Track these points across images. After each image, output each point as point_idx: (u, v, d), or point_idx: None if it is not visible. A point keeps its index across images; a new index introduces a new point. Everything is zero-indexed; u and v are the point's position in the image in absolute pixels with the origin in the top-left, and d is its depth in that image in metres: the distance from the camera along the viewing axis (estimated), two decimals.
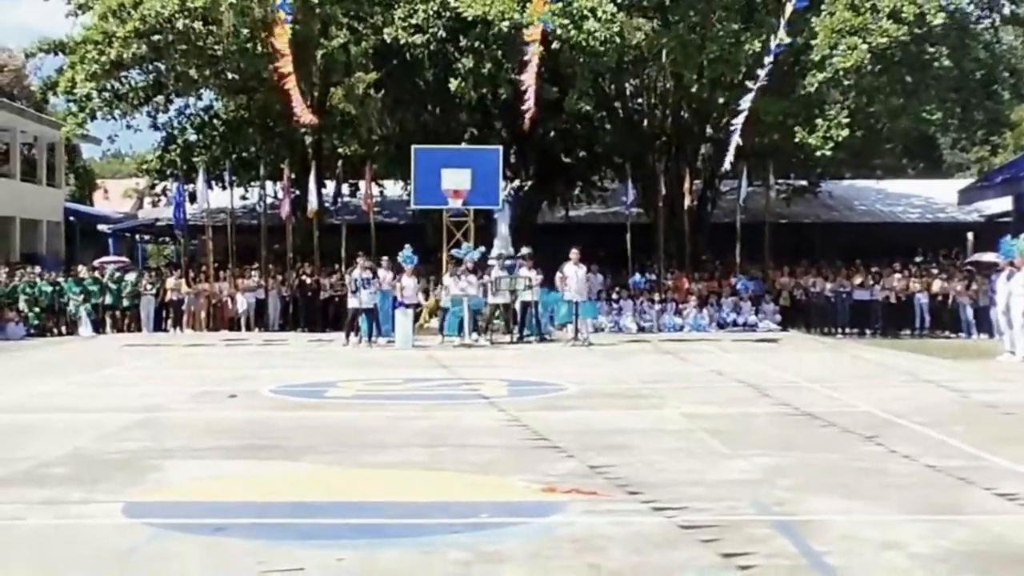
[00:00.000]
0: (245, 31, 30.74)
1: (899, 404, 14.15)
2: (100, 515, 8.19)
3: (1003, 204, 38.29)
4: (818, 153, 32.87)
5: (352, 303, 26.40)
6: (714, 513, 8.03)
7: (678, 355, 22.93)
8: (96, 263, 36.04)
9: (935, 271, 32.88)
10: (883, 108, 32.82)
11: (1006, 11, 36.13)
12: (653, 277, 33.89)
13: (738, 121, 29.45)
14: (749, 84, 29.34)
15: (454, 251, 28.37)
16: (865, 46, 29.67)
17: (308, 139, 35.35)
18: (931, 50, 31.66)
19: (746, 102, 29.10)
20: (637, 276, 33.17)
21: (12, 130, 43.35)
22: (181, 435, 12.09)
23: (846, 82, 31.16)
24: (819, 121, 32.14)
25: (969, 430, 11.94)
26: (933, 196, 47.35)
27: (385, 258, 28.19)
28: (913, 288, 30.71)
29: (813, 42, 30.56)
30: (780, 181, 39.91)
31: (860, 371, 19.80)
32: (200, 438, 11.90)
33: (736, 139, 29.78)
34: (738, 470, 9.81)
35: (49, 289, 30.86)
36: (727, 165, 32.26)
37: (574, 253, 26.42)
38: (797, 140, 32.79)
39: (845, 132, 31.79)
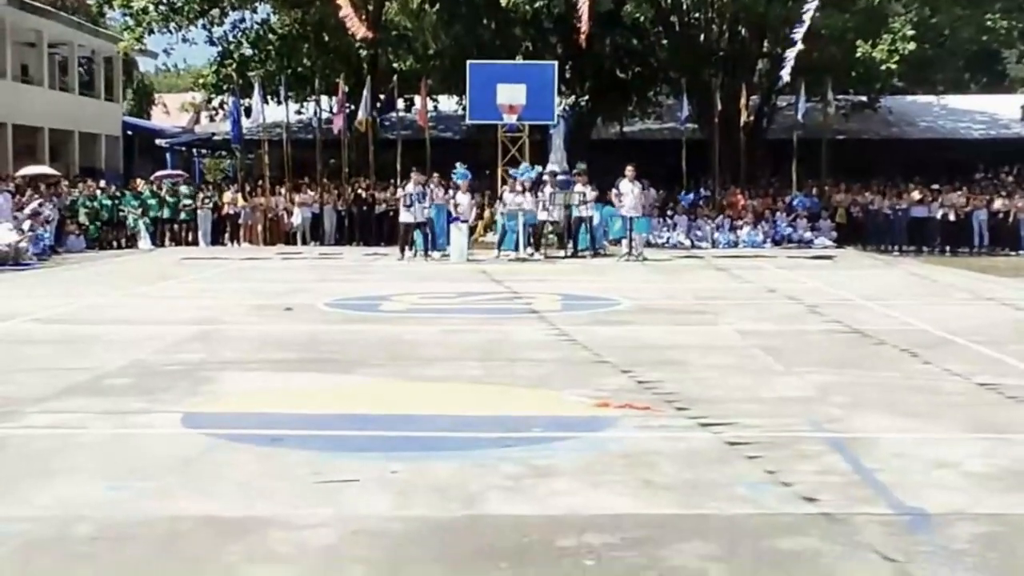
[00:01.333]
0: None
1: (956, 322, 14.01)
2: (159, 425, 8.30)
3: None
4: (883, 67, 32.30)
5: (405, 217, 26.46)
6: (766, 430, 8.02)
7: (732, 272, 22.81)
8: (154, 177, 36.32)
9: (997, 188, 32.40)
10: (946, 18, 32.09)
11: None
12: (708, 193, 33.69)
13: (799, 33, 28.94)
14: (804, 4, 28.77)
15: (511, 171, 28.28)
16: None
17: (363, 54, 35.19)
18: None
19: (808, 14, 28.56)
20: (691, 193, 32.97)
21: (70, 44, 43.52)
22: (238, 347, 12.22)
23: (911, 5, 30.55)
24: (884, 35, 31.52)
25: None
26: (996, 111, 46.51)
27: (436, 175, 28.17)
28: (973, 205, 30.28)
29: None
30: (839, 97, 39.25)
31: (917, 289, 19.62)
32: (256, 351, 12.01)
33: (796, 51, 29.30)
34: (791, 387, 9.77)
35: (108, 202, 31.19)
36: (786, 78, 31.81)
37: (629, 170, 26.29)
38: (859, 55, 32.21)
39: (911, 45, 31.22)
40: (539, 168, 28.33)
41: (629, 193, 26.07)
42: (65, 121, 41.21)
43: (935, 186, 31.06)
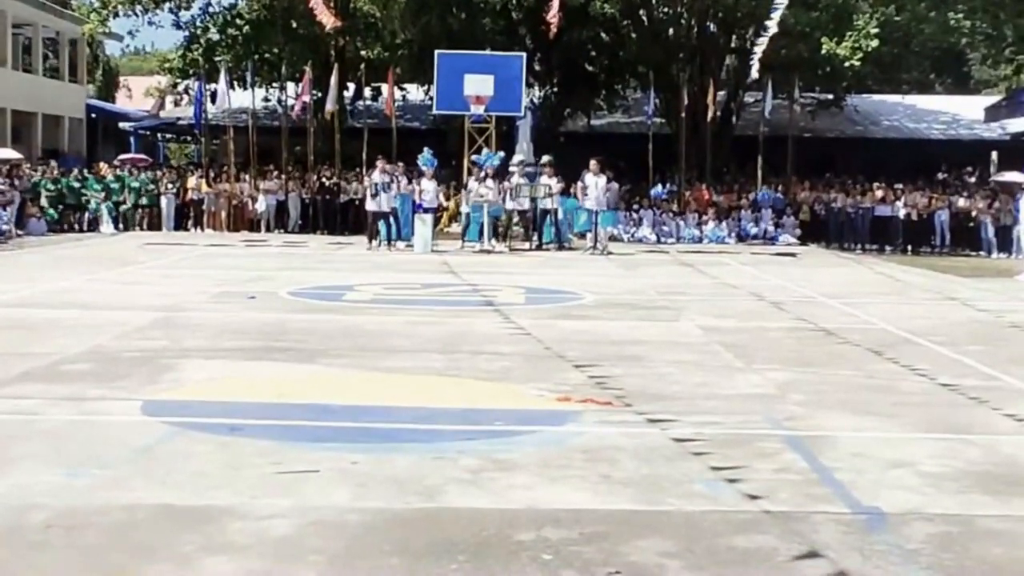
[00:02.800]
0: None
1: (916, 322, 14.14)
2: (118, 412, 8.27)
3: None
4: (846, 64, 32.54)
5: (371, 206, 26.45)
6: (725, 427, 8.08)
7: (696, 267, 22.90)
8: (117, 161, 36.07)
9: (958, 189, 32.66)
10: (911, 16, 32.26)
11: None
12: (674, 188, 33.79)
13: (769, 28, 29.02)
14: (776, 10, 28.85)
15: (474, 157, 28.27)
16: None
17: (331, 42, 35.05)
18: None
19: (778, 10, 28.65)
20: (658, 187, 33.06)
21: (34, 25, 43.18)
22: (199, 335, 12.18)
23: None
24: (848, 32, 31.72)
25: (986, 350, 11.94)
26: (959, 112, 46.84)
27: (401, 164, 28.14)
28: (935, 205, 30.50)
29: None
30: (805, 94, 39.52)
31: (879, 288, 19.75)
32: (218, 338, 11.98)
33: (763, 47, 29.40)
34: (752, 384, 9.83)
35: (71, 186, 30.94)
36: (754, 74, 31.98)
37: (593, 163, 26.37)
38: (824, 52, 32.40)
39: (875, 43, 31.44)
40: (502, 155, 28.29)
41: (593, 186, 26.17)
42: (28, 103, 40.86)
43: (898, 185, 31.26)
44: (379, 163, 26.99)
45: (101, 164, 34.69)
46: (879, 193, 30.60)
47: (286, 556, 5.26)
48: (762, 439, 7.72)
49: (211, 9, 39.64)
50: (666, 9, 37.75)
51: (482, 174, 26.70)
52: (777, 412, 8.60)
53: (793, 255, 27.11)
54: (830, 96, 41.13)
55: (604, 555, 5.34)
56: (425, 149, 27.46)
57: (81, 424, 7.88)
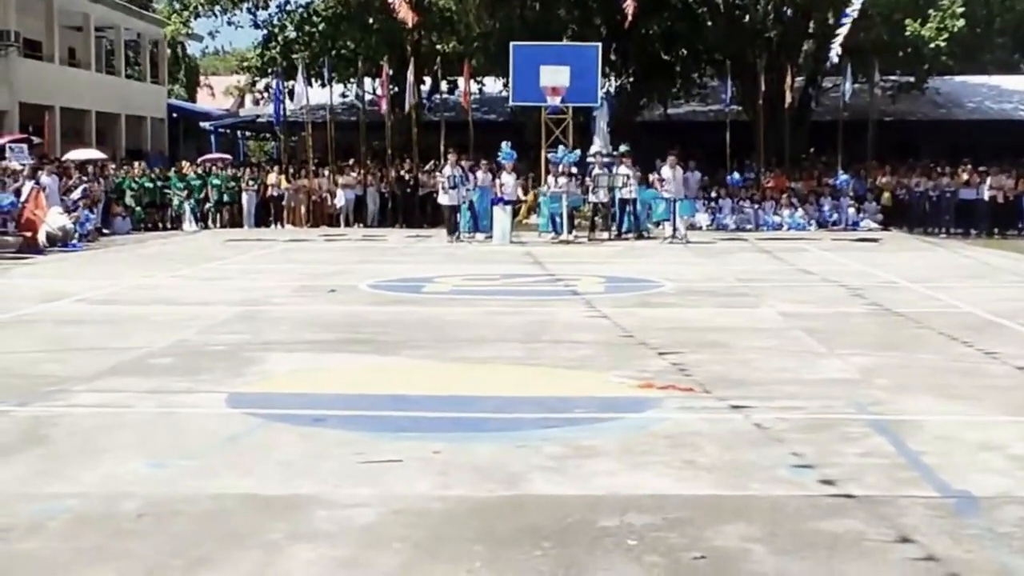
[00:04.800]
0: None
1: (1003, 305, 13.91)
2: (204, 405, 8.39)
3: None
4: (931, 45, 31.99)
5: (444, 200, 26.62)
6: (809, 412, 8.02)
7: (776, 254, 22.72)
8: (200, 160, 36.55)
9: None
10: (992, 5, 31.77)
11: None
12: (752, 175, 33.52)
13: (853, 12, 28.62)
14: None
15: (551, 155, 28.23)
16: None
17: (407, 36, 35.21)
18: None
19: None
20: (736, 174, 32.84)
21: (116, 27, 43.87)
22: (282, 328, 12.31)
23: None
24: (931, 12, 31.24)
25: None
26: None
27: (484, 161, 28.21)
28: (1022, 188, 29.91)
29: None
30: (885, 78, 38.96)
31: (963, 271, 19.46)
32: (300, 331, 12.09)
33: (846, 30, 29.03)
34: (834, 369, 9.75)
35: (154, 185, 31.43)
36: (834, 58, 31.53)
37: (671, 158, 26.25)
38: (908, 33, 31.92)
39: (960, 22, 30.90)
40: (579, 152, 28.25)
41: (671, 178, 26.04)
42: (111, 104, 41.54)
43: (983, 168, 30.67)
44: (451, 156, 27.10)
45: (183, 163, 35.15)
46: (964, 176, 30.09)
47: (370, 544, 5.30)
48: (847, 424, 7.64)
49: (288, 7, 40.05)
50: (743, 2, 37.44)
51: (561, 168, 26.70)
52: (861, 396, 8.51)
53: (875, 240, 26.79)
54: (911, 79, 40.49)
55: (688, 540, 5.32)
56: (504, 143, 27.51)
57: (168, 416, 8.01)
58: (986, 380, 9.24)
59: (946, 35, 31.23)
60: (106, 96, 41.45)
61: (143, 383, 9.10)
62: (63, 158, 31.14)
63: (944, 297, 15.01)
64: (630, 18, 30.38)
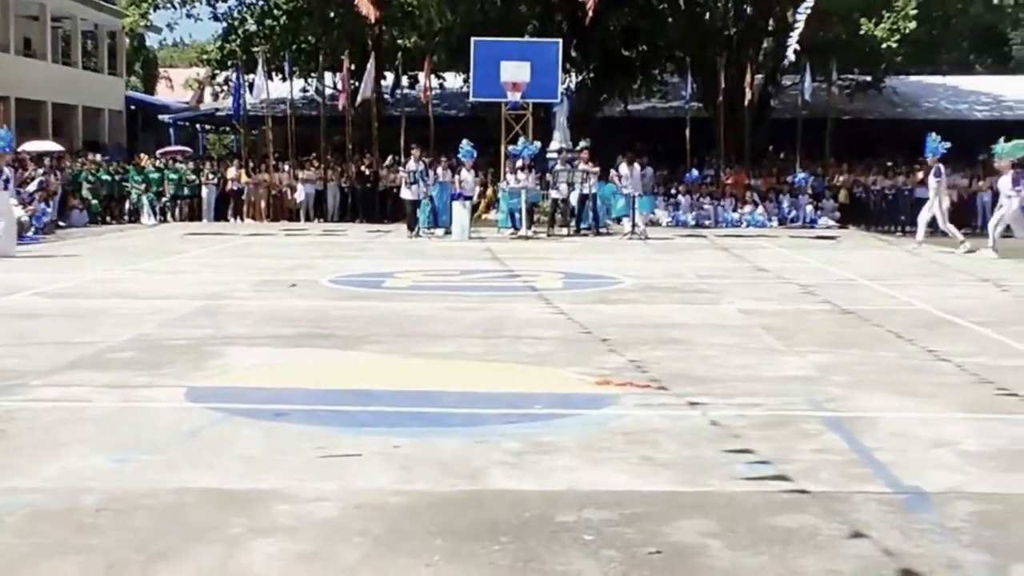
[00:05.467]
0: None
1: (957, 303, 14.05)
2: (164, 399, 8.35)
3: None
4: (884, 46, 32.26)
5: (406, 195, 26.58)
6: (767, 409, 8.08)
7: (734, 251, 22.83)
8: (158, 152, 36.31)
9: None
10: (948, 6, 32.01)
11: None
12: (712, 172, 33.66)
13: (807, 6, 28.79)
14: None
15: (511, 148, 28.26)
16: None
17: (368, 31, 35.09)
18: None
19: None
20: (695, 171, 32.97)
21: (73, 18, 43.46)
22: (242, 323, 12.26)
23: None
24: (885, 14, 31.48)
25: None
26: (1002, 93, 46.28)
27: (443, 158, 28.20)
28: (977, 187, 30.17)
29: None
30: (843, 77, 39.23)
31: (919, 269, 19.63)
32: (261, 326, 12.05)
33: (800, 28, 29.19)
34: (792, 366, 9.81)
35: (111, 178, 31.21)
36: (791, 56, 31.68)
37: (628, 156, 26.33)
38: (863, 33, 32.17)
39: (913, 24, 31.15)
40: (538, 144, 28.29)
41: (629, 175, 26.14)
42: (68, 95, 41.18)
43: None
44: (414, 152, 27.09)
45: (142, 156, 34.92)
46: (919, 175, 30.31)
47: (331, 538, 5.32)
48: (803, 420, 7.71)
49: (248, 0, 39.75)
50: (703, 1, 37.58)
51: (519, 164, 26.73)
52: (818, 394, 8.58)
53: (832, 238, 26.99)
54: (868, 78, 40.80)
55: (645, 535, 5.37)
56: (464, 141, 27.47)
57: (128, 410, 7.96)
58: (938, 378, 9.33)
59: (898, 36, 31.46)
60: (63, 87, 41.07)
61: (103, 377, 9.06)
62: (19, 149, 30.85)
63: (900, 295, 15.14)
64: (591, 14, 30.42)
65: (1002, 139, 21.19)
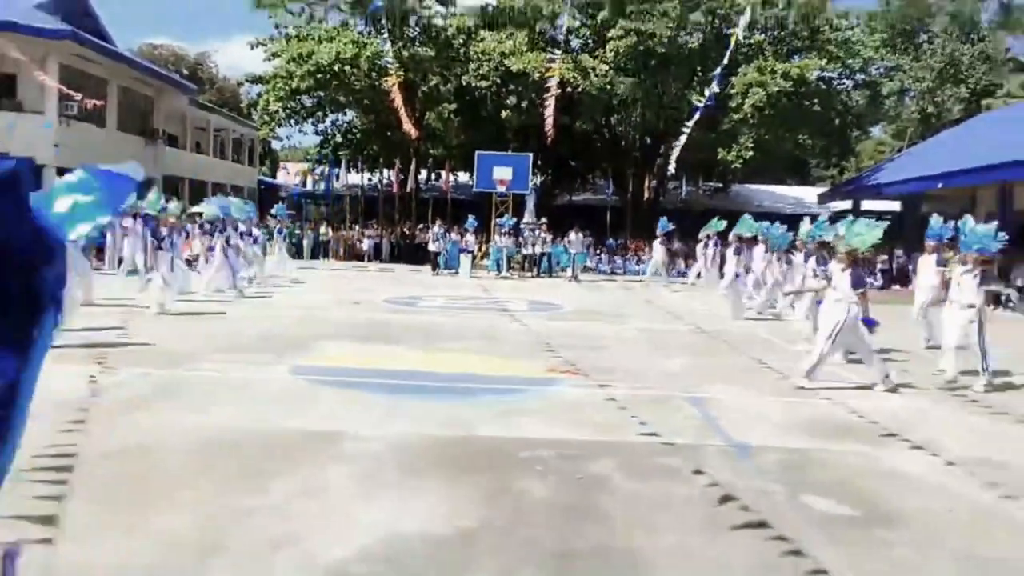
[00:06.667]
0: (374, 74, 30.40)
1: (777, 329, 14.05)
2: (276, 373, 8.37)
3: (845, 205, 37.63)
4: (732, 166, 32.51)
5: (432, 247, 26.60)
6: (652, 391, 8.13)
7: (635, 291, 22.89)
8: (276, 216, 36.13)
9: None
10: (774, 137, 32.22)
11: (858, 77, 35.43)
12: (622, 240, 33.75)
13: (679, 142, 29.01)
14: (686, 126, 28.78)
15: (497, 220, 28.29)
16: (764, 94, 29.29)
17: (411, 144, 35.14)
18: (807, 101, 31.22)
19: (685, 132, 28.64)
20: (612, 240, 33.04)
21: (227, 129, 43.39)
22: (327, 326, 12.24)
23: (751, 121, 30.62)
24: (734, 146, 31.77)
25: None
26: (802, 197, 46.54)
27: (456, 226, 28.21)
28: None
29: (732, 91, 30.08)
30: (706, 184, 39.46)
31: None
32: (339, 328, 12.02)
33: (677, 153, 29.39)
34: (668, 365, 9.84)
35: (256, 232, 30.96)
36: (672, 170, 31.87)
37: (575, 228, 26.59)
38: (719, 157, 32.43)
39: (750, 153, 31.39)
40: (515, 219, 28.33)
41: (575, 241, 26.32)
42: (222, 178, 40.95)
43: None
44: (437, 221, 27.09)
45: (268, 218, 34.75)
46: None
47: (378, 464, 5.36)
48: (674, 399, 7.77)
49: (337, 122, 39.70)
50: (620, 128, 37.68)
51: (503, 230, 26.81)
52: (684, 383, 8.63)
53: (694, 284, 27.00)
54: (721, 185, 41.05)
55: (574, 467, 5.43)
56: (470, 216, 27.44)
57: (252, 380, 7.97)
58: (759, 375, 9.40)
59: (741, 160, 31.71)
60: (219, 173, 40.91)
61: (235, 357, 9.06)
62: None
63: (739, 324, 15.18)
64: (549, 141, 30.50)
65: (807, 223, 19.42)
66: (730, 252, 16.83)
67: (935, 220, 11.82)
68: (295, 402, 7.06)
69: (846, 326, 8.44)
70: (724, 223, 20.58)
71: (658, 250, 24.41)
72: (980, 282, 9.04)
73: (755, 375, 9.39)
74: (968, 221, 9.49)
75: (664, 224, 24.01)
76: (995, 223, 9.69)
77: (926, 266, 12.12)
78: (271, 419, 6.38)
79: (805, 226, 14.15)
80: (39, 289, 0.95)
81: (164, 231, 13.54)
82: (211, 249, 16.28)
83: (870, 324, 8.70)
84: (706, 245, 22.60)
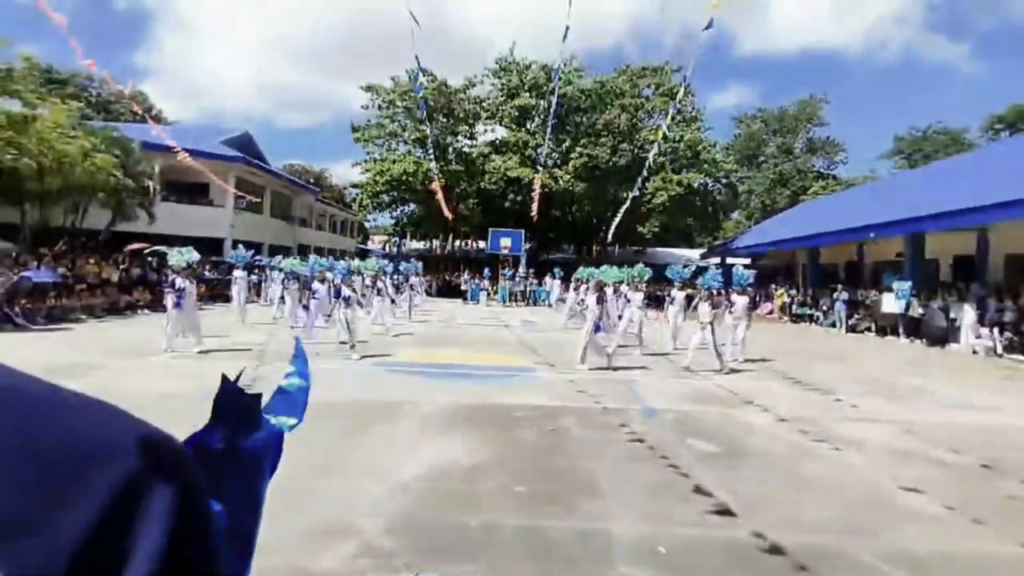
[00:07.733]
0: (427, 182, 30.63)
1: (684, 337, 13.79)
2: (364, 365, 8.31)
3: (716, 260, 37.46)
4: (647, 236, 32.55)
5: (463, 287, 26.61)
6: (597, 376, 8.09)
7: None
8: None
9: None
10: (672, 220, 32.33)
11: (723, 182, 35.63)
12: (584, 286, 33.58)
13: (615, 220, 29.10)
14: (618, 213, 28.91)
15: (502, 271, 28.34)
16: (666, 195, 29.49)
17: (449, 222, 35.27)
18: (693, 197, 31.41)
19: (617, 217, 28.72)
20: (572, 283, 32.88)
21: (337, 216, 43.55)
22: (401, 337, 12.19)
23: (658, 210, 30.77)
24: (648, 223, 31.84)
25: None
26: (690, 256, 46.23)
27: (478, 274, 28.20)
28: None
29: (646, 192, 30.28)
30: (632, 247, 39.38)
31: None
32: (408, 338, 11.96)
33: (614, 228, 29.52)
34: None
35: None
36: (610, 237, 31.91)
37: (550, 276, 26.54)
38: (640, 228, 32.48)
39: (657, 229, 31.50)
40: (514, 270, 28.38)
41: (554, 284, 26.36)
42: (330, 246, 41.05)
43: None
44: (466, 271, 27.16)
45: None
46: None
47: (426, 422, 5.35)
48: (614, 382, 7.71)
49: (406, 211, 39.81)
50: (578, 214, 37.69)
51: (507, 277, 26.87)
52: (623, 371, 8.61)
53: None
54: (640, 247, 41.07)
55: (548, 422, 5.43)
56: (485, 268, 27.47)
57: (343, 368, 7.92)
58: (667, 368, 9.37)
59: (651, 232, 31.80)
60: (334, 243, 40.99)
61: (336, 356, 9.00)
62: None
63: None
64: (535, 222, 30.61)
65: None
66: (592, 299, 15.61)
67: (737, 270, 10.44)
68: (375, 383, 7.04)
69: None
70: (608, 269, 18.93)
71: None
72: (711, 307, 9.05)
73: (662, 365, 9.37)
74: (739, 269, 9.71)
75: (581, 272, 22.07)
76: (753, 271, 9.85)
77: (737, 299, 10.40)
78: (362, 394, 6.39)
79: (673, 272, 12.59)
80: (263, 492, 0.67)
81: (346, 290, 10.53)
82: (378, 292, 14.24)
83: (600, 328, 8.59)
84: (576, 288, 19.55)
